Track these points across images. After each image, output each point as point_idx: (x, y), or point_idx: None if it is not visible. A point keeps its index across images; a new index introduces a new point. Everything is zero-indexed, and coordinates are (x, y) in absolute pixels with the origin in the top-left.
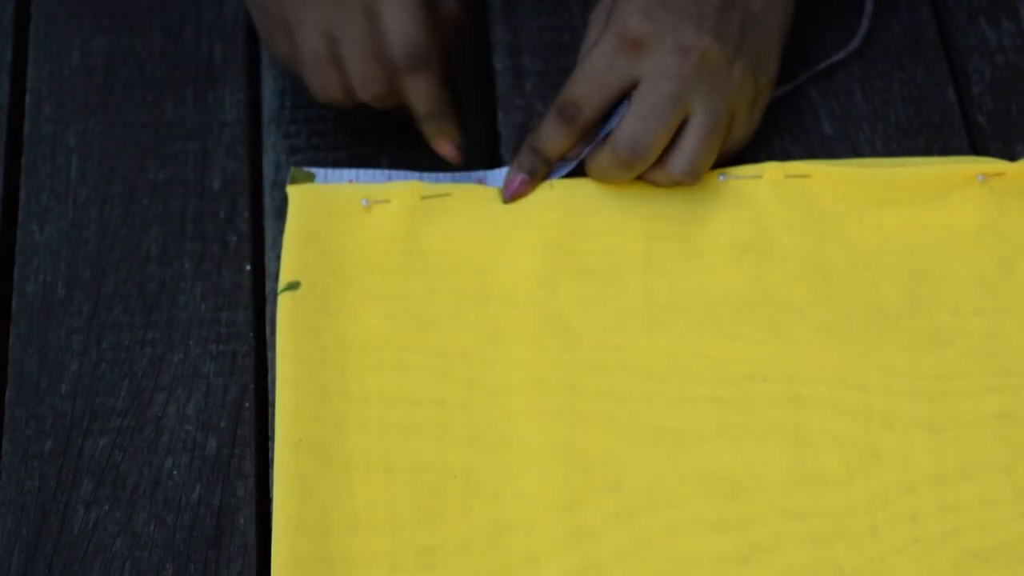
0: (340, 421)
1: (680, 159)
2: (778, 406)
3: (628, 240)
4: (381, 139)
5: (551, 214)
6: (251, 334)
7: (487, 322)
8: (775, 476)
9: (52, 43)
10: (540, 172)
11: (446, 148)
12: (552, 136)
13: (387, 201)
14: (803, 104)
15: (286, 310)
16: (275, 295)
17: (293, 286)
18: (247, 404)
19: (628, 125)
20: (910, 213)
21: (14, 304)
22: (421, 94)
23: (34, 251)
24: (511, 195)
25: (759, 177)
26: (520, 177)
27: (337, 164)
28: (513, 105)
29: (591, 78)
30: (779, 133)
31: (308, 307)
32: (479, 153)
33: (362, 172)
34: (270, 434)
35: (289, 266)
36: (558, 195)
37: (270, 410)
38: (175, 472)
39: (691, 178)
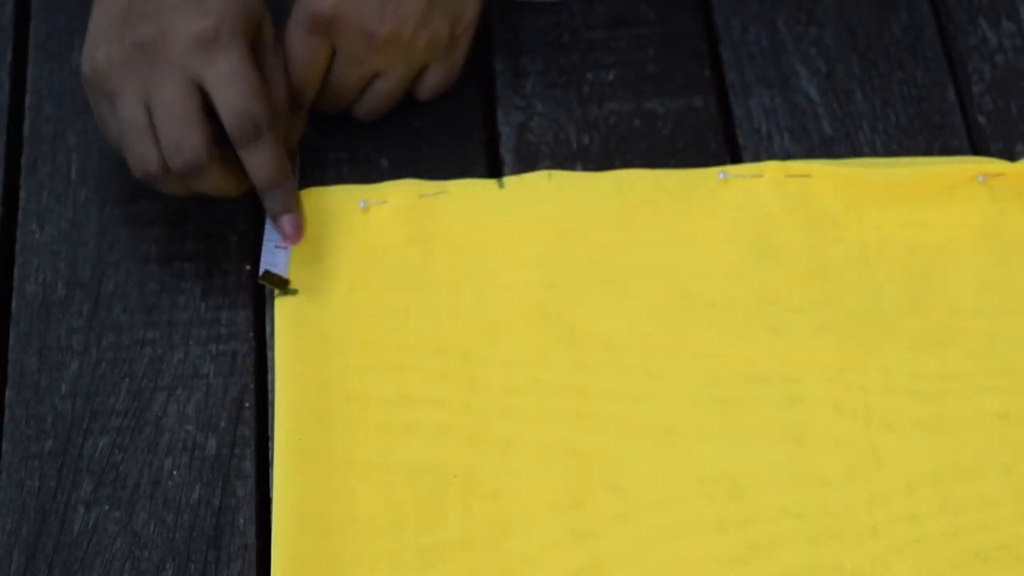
0: (340, 421)
1: (361, 110)
2: (778, 406)
3: (627, 235)
4: (381, 139)
5: (550, 209)
6: (251, 334)
7: (487, 322)
8: (775, 476)
9: (52, 43)
10: (296, 193)
11: (290, 227)
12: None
13: (385, 201)
14: (803, 104)
15: (285, 311)
16: (275, 295)
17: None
18: (247, 404)
19: (328, 96)
20: (910, 213)
21: (14, 304)
22: (259, 167)
23: (34, 251)
24: (297, 238)
25: (760, 176)
26: (288, 217)
27: (337, 164)
28: (513, 105)
29: (302, 65)
30: (779, 133)
31: (308, 307)
32: (479, 153)
33: None
34: (270, 434)
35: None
36: (557, 189)
37: (270, 410)
38: (175, 472)
39: (368, 120)
